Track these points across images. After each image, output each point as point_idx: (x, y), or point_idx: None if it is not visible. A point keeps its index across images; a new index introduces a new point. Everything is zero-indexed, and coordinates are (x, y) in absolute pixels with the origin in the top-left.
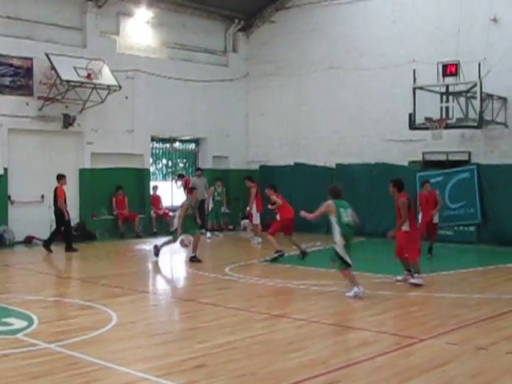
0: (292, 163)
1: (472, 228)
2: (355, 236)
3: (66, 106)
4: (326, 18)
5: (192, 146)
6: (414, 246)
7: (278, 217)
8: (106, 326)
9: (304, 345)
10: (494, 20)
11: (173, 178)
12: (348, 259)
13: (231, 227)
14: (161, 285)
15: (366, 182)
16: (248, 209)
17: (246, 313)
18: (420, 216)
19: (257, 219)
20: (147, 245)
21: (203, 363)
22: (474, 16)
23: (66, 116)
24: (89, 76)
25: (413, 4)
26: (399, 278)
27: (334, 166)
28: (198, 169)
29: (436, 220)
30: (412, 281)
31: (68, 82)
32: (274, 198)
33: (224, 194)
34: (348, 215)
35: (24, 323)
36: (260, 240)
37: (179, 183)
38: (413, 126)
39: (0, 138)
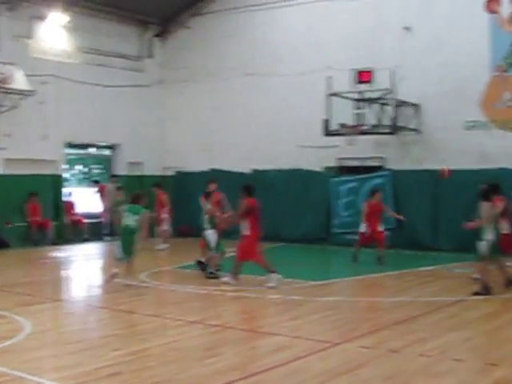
0: (208, 169)
1: (386, 233)
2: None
3: None
4: (242, 24)
5: (107, 151)
6: (252, 248)
7: None
8: (18, 335)
9: (219, 351)
10: (407, 28)
11: (88, 185)
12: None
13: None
14: (75, 292)
15: (282, 188)
16: (157, 215)
17: (161, 319)
18: (364, 225)
19: (166, 225)
20: (61, 252)
21: (118, 371)
22: (387, 24)
23: None
24: (1, 81)
25: (328, 11)
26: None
27: (249, 171)
28: (113, 175)
29: (381, 228)
30: (224, 279)
31: None
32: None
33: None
34: None
35: None
36: (166, 246)
37: (96, 189)
38: (327, 132)
39: None
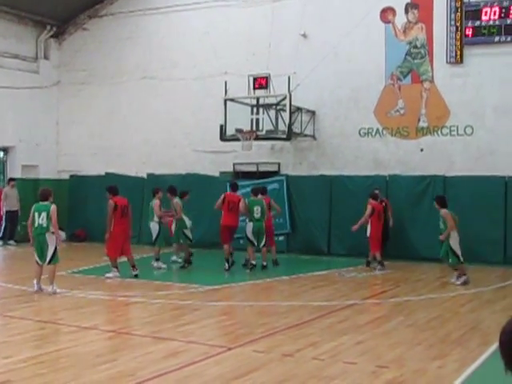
0: (103, 173)
1: (281, 238)
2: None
3: None
4: (140, 27)
5: (0, 154)
6: (115, 243)
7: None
8: None
9: (113, 357)
10: (304, 35)
11: None
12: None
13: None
14: None
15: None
16: None
17: (54, 325)
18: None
19: None
20: None
21: (7, 379)
22: (284, 31)
23: None
24: None
25: (225, 17)
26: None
27: (145, 176)
28: (11, 179)
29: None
30: (108, 275)
31: None
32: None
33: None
34: None
35: None
36: None
37: None
38: (224, 137)
39: None
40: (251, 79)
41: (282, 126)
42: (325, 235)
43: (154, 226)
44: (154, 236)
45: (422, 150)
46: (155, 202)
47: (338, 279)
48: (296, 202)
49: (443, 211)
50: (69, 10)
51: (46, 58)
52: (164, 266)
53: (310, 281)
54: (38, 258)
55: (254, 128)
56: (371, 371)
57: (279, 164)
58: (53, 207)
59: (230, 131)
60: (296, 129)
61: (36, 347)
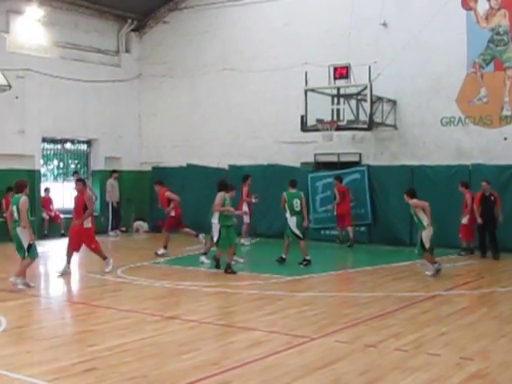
0: (185, 164)
1: (363, 228)
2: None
3: None
4: (220, 19)
5: (84, 146)
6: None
7: (173, 213)
8: None
9: (196, 346)
10: (384, 24)
11: (64, 180)
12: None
13: (124, 229)
14: (52, 288)
15: (259, 184)
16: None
17: (138, 315)
18: None
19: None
20: (38, 247)
21: (94, 366)
22: (364, 20)
23: None
24: None
25: (305, 7)
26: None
27: (226, 167)
28: (114, 171)
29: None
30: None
31: None
32: (169, 194)
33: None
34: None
35: None
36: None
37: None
38: (304, 127)
39: None
40: (331, 69)
41: (363, 116)
42: (406, 225)
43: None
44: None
45: (505, 138)
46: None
47: (421, 270)
48: (377, 193)
49: (414, 201)
50: (149, 3)
51: (127, 51)
52: (208, 261)
53: (391, 271)
54: (16, 252)
55: (335, 118)
56: (455, 363)
57: (360, 154)
58: (22, 200)
59: (310, 122)
60: (377, 118)
61: (121, 336)
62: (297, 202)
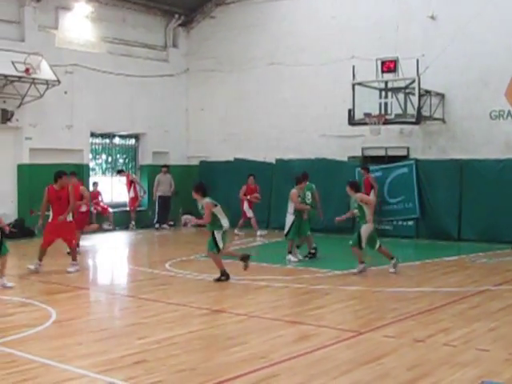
0: (232, 159)
1: (411, 222)
2: None
3: (4, 101)
4: (266, 13)
5: (132, 141)
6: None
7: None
8: (45, 323)
9: (244, 339)
10: (432, 17)
11: (112, 174)
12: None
13: (171, 223)
14: (101, 281)
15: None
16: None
17: (186, 308)
18: None
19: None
20: (87, 241)
21: (143, 359)
22: (412, 13)
23: (3, 111)
24: (27, 70)
25: (352, 1)
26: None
27: (273, 161)
28: (164, 165)
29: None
30: (69, 269)
31: (5, 76)
32: (84, 188)
33: None
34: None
35: None
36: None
37: (123, 178)
38: (352, 121)
39: None
40: (379, 63)
41: (411, 110)
42: (455, 220)
43: (289, 217)
44: (287, 227)
45: None
46: (293, 192)
47: (469, 265)
48: (425, 187)
49: (358, 195)
50: None
51: (174, 46)
52: (298, 258)
53: (440, 266)
54: None
55: (383, 112)
56: (505, 359)
57: (408, 148)
58: None
59: (358, 115)
60: (425, 112)
61: (169, 329)
62: (308, 195)
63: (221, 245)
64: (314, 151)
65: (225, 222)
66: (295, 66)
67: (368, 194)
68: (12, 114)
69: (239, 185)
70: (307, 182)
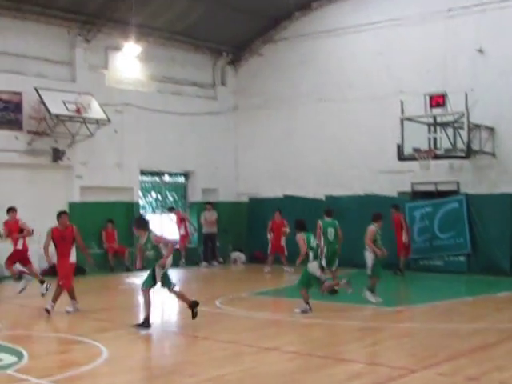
0: (281, 195)
1: (462, 258)
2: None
3: (56, 140)
4: (314, 50)
5: (181, 178)
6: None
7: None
8: (96, 360)
9: (296, 378)
10: (480, 51)
11: (162, 212)
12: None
13: (221, 260)
14: (151, 318)
15: (356, 214)
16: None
17: (236, 346)
18: None
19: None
20: (137, 278)
21: None
22: (460, 47)
23: (55, 150)
24: (78, 110)
25: (399, 36)
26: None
27: (323, 197)
28: (208, 203)
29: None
30: (68, 309)
31: (57, 116)
32: (24, 223)
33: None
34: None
35: (14, 358)
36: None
37: (172, 216)
38: (401, 157)
39: None
40: (427, 97)
41: (461, 144)
42: (507, 255)
43: (369, 255)
44: (370, 265)
45: None
46: (370, 228)
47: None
48: (476, 221)
49: (298, 235)
50: (244, 36)
51: (223, 84)
52: (377, 299)
53: (493, 302)
54: None
55: (432, 147)
56: None
57: (458, 183)
58: None
59: (407, 151)
60: (475, 146)
61: (220, 367)
62: (331, 231)
63: (158, 281)
64: (363, 187)
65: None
66: (343, 102)
67: (398, 233)
68: (63, 153)
69: (288, 222)
70: (330, 219)
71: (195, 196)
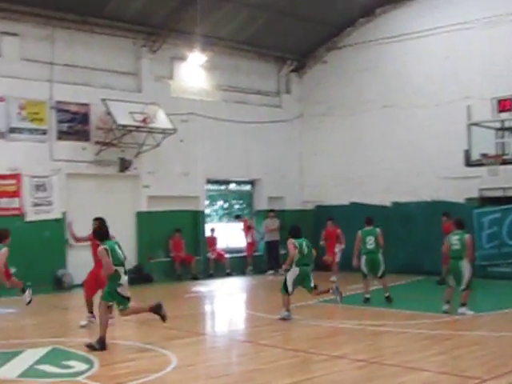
0: (347, 202)
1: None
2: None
3: (122, 150)
4: (379, 56)
5: (247, 187)
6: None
7: None
8: (165, 368)
9: None
10: None
11: (228, 220)
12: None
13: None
14: (219, 327)
15: (422, 220)
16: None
17: (304, 354)
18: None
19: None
20: (204, 287)
21: None
22: None
23: (122, 160)
24: (144, 120)
25: (465, 40)
26: (83, 323)
27: (389, 204)
28: (271, 210)
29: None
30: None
31: (124, 126)
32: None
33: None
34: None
35: (85, 366)
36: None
37: (240, 224)
38: (469, 162)
39: (58, 182)
40: (495, 102)
41: None
42: None
43: (467, 266)
44: (467, 277)
45: None
46: (467, 237)
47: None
48: None
49: (289, 241)
50: (308, 44)
51: (287, 92)
52: (470, 312)
53: None
54: None
55: (500, 152)
56: None
57: None
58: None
59: (474, 156)
60: None
61: (288, 375)
62: (370, 240)
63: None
64: (430, 193)
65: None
66: (409, 108)
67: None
68: (130, 163)
69: (355, 229)
70: (371, 227)
71: (261, 204)
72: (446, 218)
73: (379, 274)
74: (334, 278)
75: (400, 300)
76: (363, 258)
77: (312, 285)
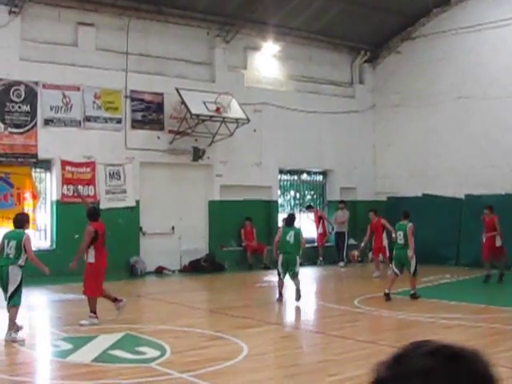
0: (420, 194)
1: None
2: None
3: (196, 140)
4: (453, 47)
5: (320, 177)
6: (95, 280)
7: None
8: (236, 356)
9: None
10: None
11: (301, 210)
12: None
13: (359, 259)
14: (290, 316)
15: (497, 213)
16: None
17: (376, 346)
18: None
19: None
20: (275, 276)
21: None
22: None
23: (195, 149)
24: (218, 110)
25: None
26: (83, 321)
27: (462, 196)
28: (341, 201)
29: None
30: (84, 322)
31: (198, 116)
32: None
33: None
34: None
35: (157, 352)
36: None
37: (312, 214)
38: None
39: (132, 171)
40: None
41: None
42: None
43: None
44: None
45: None
46: None
47: None
48: None
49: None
50: (381, 34)
51: (361, 82)
52: None
53: None
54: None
55: None
56: None
57: None
58: (26, 236)
59: None
60: None
61: (360, 366)
62: (400, 234)
63: None
64: (504, 186)
65: None
66: (484, 100)
67: (492, 235)
68: (203, 152)
69: (428, 221)
70: (406, 221)
71: (333, 195)
72: (489, 211)
73: (411, 271)
74: (376, 274)
75: (473, 294)
76: (393, 253)
77: (293, 271)
